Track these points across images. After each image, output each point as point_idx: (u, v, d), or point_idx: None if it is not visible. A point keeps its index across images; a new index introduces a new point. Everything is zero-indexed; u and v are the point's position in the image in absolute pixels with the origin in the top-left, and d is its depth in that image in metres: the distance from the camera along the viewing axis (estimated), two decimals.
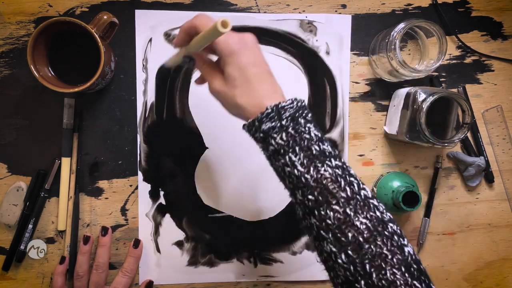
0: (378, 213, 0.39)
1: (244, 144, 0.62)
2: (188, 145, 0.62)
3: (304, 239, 0.64)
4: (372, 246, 0.37)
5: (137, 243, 0.61)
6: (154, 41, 0.61)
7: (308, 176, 0.39)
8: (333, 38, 0.63)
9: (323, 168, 0.39)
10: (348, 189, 0.39)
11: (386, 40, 0.57)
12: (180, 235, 0.63)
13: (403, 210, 0.57)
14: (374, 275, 0.36)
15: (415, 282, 0.36)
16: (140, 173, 0.62)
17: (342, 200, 0.38)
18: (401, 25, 0.56)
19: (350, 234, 0.37)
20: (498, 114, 0.65)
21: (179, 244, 0.63)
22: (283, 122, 0.40)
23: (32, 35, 0.52)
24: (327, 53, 0.63)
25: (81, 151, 0.61)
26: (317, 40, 0.63)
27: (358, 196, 0.39)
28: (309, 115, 0.42)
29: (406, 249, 0.38)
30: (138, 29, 0.61)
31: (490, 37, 0.65)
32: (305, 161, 0.40)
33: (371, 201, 0.39)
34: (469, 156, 0.64)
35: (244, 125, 0.43)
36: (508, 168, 0.65)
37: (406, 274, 0.36)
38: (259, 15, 0.62)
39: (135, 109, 0.62)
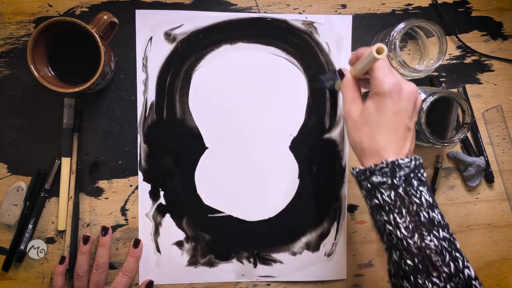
0: None
1: (244, 144, 0.62)
2: (188, 145, 0.62)
3: (304, 240, 0.64)
4: None
5: (137, 243, 0.61)
6: (154, 40, 0.61)
7: (411, 242, 0.38)
8: (333, 39, 0.63)
9: (429, 238, 0.38)
10: (452, 265, 0.37)
11: (386, 40, 0.57)
12: (180, 235, 0.63)
13: None
14: None
15: None
16: (140, 173, 0.62)
17: (444, 275, 0.37)
18: (401, 25, 0.56)
19: None
20: (498, 114, 0.65)
21: (179, 244, 0.63)
22: (395, 181, 0.39)
23: (32, 35, 0.52)
24: (327, 53, 0.63)
25: (81, 151, 0.61)
26: (317, 40, 0.63)
27: (461, 275, 0.37)
28: (424, 175, 0.41)
29: None
30: (138, 29, 0.61)
31: (490, 37, 0.65)
32: (410, 226, 0.38)
33: (474, 282, 0.38)
34: (469, 156, 0.64)
35: (353, 169, 0.43)
36: (508, 168, 0.65)
37: None
38: (259, 15, 0.62)
39: (135, 109, 0.62)
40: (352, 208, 0.64)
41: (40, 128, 0.61)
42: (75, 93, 0.61)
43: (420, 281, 0.37)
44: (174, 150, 0.62)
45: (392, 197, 0.39)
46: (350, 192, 0.64)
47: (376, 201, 0.40)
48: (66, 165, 0.60)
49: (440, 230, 0.39)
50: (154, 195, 0.62)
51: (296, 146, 0.63)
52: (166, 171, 0.62)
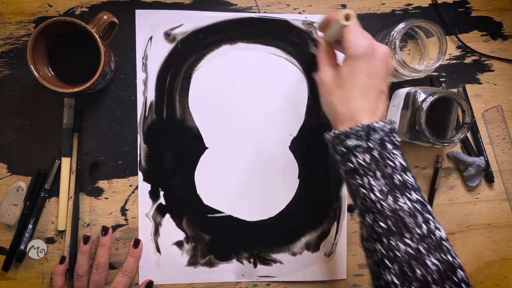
0: (449, 257, 0.38)
1: (244, 144, 0.62)
2: (188, 145, 0.62)
3: (304, 240, 0.64)
4: None
5: (137, 243, 0.61)
6: (154, 40, 0.61)
7: (385, 204, 0.38)
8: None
9: (402, 200, 0.38)
10: (424, 226, 0.38)
11: (386, 40, 0.57)
12: (180, 235, 0.63)
13: None
14: None
15: None
16: (140, 173, 0.62)
17: (417, 236, 0.37)
18: (401, 25, 0.56)
19: (418, 272, 0.36)
20: (498, 114, 0.65)
21: (179, 244, 0.63)
22: (370, 144, 0.39)
23: (32, 35, 0.52)
24: None
25: (81, 151, 0.61)
26: (317, 40, 0.63)
27: (432, 236, 0.38)
28: (398, 139, 0.41)
29: None
30: (138, 29, 0.61)
31: (490, 37, 0.65)
32: (384, 189, 0.38)
33: (444, 243, 0.38)
34: (469, 156, 0.64)
35: (325, 134, 0.42)
36: (508, 168, 0.65)
37: None
38: (259, 15, 0.62)
39: (135, 109, 0.62)
40: (352, 208, 0.64)
41: (40, 128, 0.61)
42: (75, 93, 0.61)
43: (393, 242, 0.37)
44: (174, 150, 0.62)
45: (367, 160, 0.39)
46: None
47: (351, 164, 0.40)
48: (66, 165, 0.60)
49: (413, 193, 0.39)
50: (154, 195, 0.62)
51: (296, 146, 0.63)
52: (166, 171, 0.62)
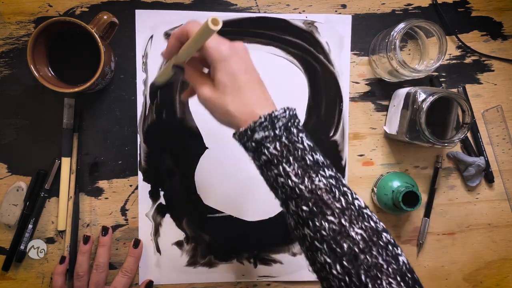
0: (372, 223, 0.39)
1: None
2: (188, 145, 0.62)
3: None
4: (367, 257, 0.37)
5: (137, 243, 0.61)
6: (154, 40, 0.61)
7: (303, 187, 0.39)
8: (333, 38, 0.63)
9: (317, 179, 0.39)
10: (342, 199, 0.39)
11: (386, 40, 0.57)
12: (180, 235, 0.63)
13: (403, 210, 0.57)
14: (370, 285, 0.36)
15: None
16: (140, 173, 0.62)
17: (337, 210, 0.38)
18: (401, 25, 0.56)
19: (345, 245, 0.37)
20: (498, 114, 0.65)
21: (179, 244, 0.63)
22: (277, 132, 0.40)
23: (32, 35, 0.52)
24: (327, 53, 0.63)
25: (81, 151, 0.61)
26: (317, 39, 0.63)
27: (352, 207, 0.39)
28: (300, 124, 0.42)
29: (400, 258, 0.38)
30: (138, 29, 0.61)
31: (490, 37, 0.65)
32: (299, 172, 0.39)
33: (364, 211, 0.39)
34: (469, 156, 0.64)
35: (234, 134, 0.43)
36: (508, 168, 0.65)
37: (402, 284, 0.37)
38: (259, 15, 0.62)
39: (135, 109, 0.62)
40: None
41: (40, 128, 0.61)
42: (75, 93, 0.61)
43: (317, 223, 0.38)
44: (174, 150, 0.62)
45: (278, 148, 0.40)
46: None
47: (264, 157, 0.40)
48: (66, 165, 0.60)
49: (326, 170, 0.40)
50: (154, 195, 0.62)
51: None
52: (166, 171, 0.62)
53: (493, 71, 0.65)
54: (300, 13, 0.63)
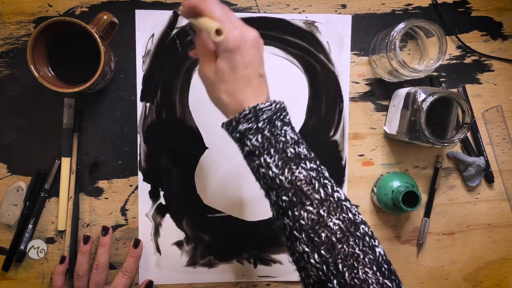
0: (350, 215, 0.40)
1: None
2: (188, 145, 0.62)
3: None
4: (344, 246, 0.38)
5: (137, 243, 0.61)
6: (154, 40, 0.61)
7: (283, 178, 0.40)
8: (333, 38, 0.63)
9: (297, 170, 0.40)
10: (322, 191, 0.40)
11: (386, 40, 0.57)
12: (180, 235, 0.63)
13: (403, 210, 0.57)
14: (346, 274, 0.37)
15: (386, 281, 0.37)
16: (140, 173, 0.62)
17: (316, 201, 0.39)
18: (401, 25, 0.56)
19: (323, 235, 0.38)
20: (498, 114, 0.65)
21: (179, 244, 0.63)
22: (260, 124, 0.41)
23: (32, 35, 0.52)
24: (328, 52, 0.63)
25: (81, 151, 0.61)
26: (318, 39, 0.63)
27: (331, 198, 0.40)
28: (287, 117, 0.43)
29: (377, 249, 0.39)
30: (138, 29, 0.61)
31: (490, 37, 0.65)
32: (279, 163, 0.40)
33: (344, 203, 0.40)
34: (469, 156, 0.64)
35: (222, 124, 0.44)
36: (508, 168, 0.65)
37: (378, 273, 0.37)
38: (259, 15, 0.62)
39: (135, 109, 0.62)
40: None
41: (40, 128, 0.61)
42: (75, 93, 0.61)
43: (296, 213, 0.39)
44: (174, 150, 0.62)
45: (259, 140, 0.41)
46: (350, 192, 0.64)
47: (247, 148, 0.42)
48: (66, 165, 0.60)
49: (307, 162, 0.41)
50: (154, 195, 0.62)
51: None
52: (166, 171, 0.62)
53: (493, 71, 0.65)
54: (300, 13, 0.63)
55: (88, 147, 0.61)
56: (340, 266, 0.37)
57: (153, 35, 0.61)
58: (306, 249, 0.39)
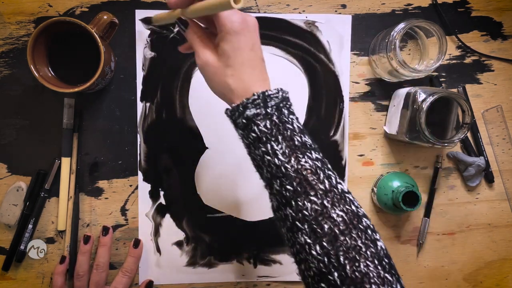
0: (353, 207, 0.39)
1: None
2: (188, 145, 0.62)
3: None
4: (347, 239, 0.37)
5: (137, 243, 0.61)
6: (155, 38, 0.61)
7: (289, 166, 0.39)
8: (333, 38, 0.63)
9: (303, 159, 0.40)
10: (326, 181, 0.39)
11: (386, 40, 0.57)
12: (180, 235, 0.63)
13: (403, 210, 0.57)
14: (348, 267, 0.37)
15: (387, 275, 0.37)
16: (140, 173, 0.62)
17: (320, 192, 0.39)
18: (401, 25, 0.56)
19: (326, 226, 0.38)
20: (498, 114, 0.65)
21: (179, 244, 0.63)
22: (269, 110, 0.40)
23: (32, 35, 0.52)
24: (328, 52, 0.63)
25: (81, 151, 0.61)
26: (318, 39, 0.63)
27: (335, 189, 0.39)
28: (292, 107, 0.43)
29: (378, 243, 0.39)
30: (138, 29, 0.61)
31: (490, 37, 0.65)
32: (287, 151, 0.40)
33: (347, 195, 0.40)
34: (469, 156, 0.64)
35: (227, 109, 0.43)
36: (508, 168, 0.65)
37: (379, 267, 0.37)
38: (259, 15, 0.62)
39: (135, 109, 0.62)
40: None
41: (40, 128, 0.61)
42: (75, 93, 0.61)
43: (300, 203, 0.39)
44: (174, 150, 0.62)
45: (268, 126, 0.40)
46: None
47: (253, 134, 0.41)
48: (66, 165, 0.60)
49: (313, 152, 0.41)
50: (154, 195, 0.62)
51: None
52: (166, 171, 0.62)
53: (493, 71, 0.65)
54: (300, 13, 0.63)
55: (88, 147, 0.61)
56: (341, 259, 0.37)
57: (153, 35, 0.61)
58: (308, 241, 0.38)
